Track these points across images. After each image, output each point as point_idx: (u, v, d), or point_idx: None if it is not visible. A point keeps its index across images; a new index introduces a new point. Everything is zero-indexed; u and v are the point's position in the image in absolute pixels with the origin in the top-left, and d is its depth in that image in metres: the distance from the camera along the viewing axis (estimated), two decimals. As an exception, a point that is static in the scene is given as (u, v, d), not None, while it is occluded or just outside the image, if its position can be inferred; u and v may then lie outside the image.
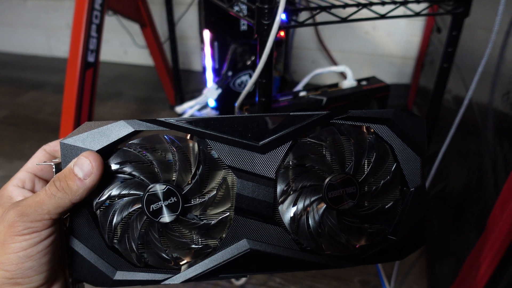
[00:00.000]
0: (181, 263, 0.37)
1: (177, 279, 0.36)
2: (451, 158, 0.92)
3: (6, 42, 2.35)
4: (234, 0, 0.74)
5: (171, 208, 0.35)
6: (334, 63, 1.73)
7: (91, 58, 1.07)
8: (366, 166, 0.39)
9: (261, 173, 0.37)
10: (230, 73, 1.03)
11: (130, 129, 0.35)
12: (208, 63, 1.03)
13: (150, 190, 0.34)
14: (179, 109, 1.01)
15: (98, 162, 0.33)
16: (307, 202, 0.37)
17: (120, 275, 0.36)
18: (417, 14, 0.78)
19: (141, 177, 0.35)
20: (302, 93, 0.84)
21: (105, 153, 0.35)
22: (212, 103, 1.06)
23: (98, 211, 0.36)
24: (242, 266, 0.37)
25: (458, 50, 0.84)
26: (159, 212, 0.34)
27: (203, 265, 0.37)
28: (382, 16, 0.74)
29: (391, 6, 0.74)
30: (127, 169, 0.35)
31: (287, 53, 1.63)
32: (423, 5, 0.79)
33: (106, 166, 0.34)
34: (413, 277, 0.95)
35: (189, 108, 1.01)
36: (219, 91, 1.00)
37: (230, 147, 0.36)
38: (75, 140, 0.35)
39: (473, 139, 0.83)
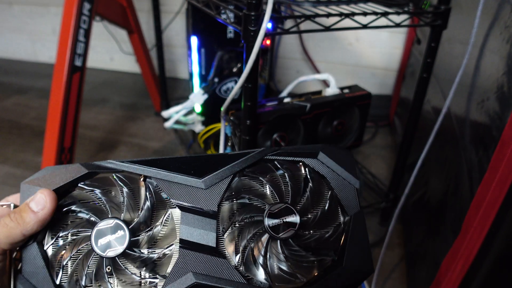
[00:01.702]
0: None
1: None
2: (430, 165, 0.94)
3: (-10, 47, 2.34)
4: (222, 7, 0.76)
5: (119, 242, 0.36)
6: (318, 73, 1.77)
7: (78, 62, 1.08)
8: (304, 198, 0.41)
9: (204, 208, 0.38)
10: (216, 80, 1.04)
11: (84, 171, 0.38)
12: (195, 69, 1.05)
13: (98, 226, 0.36)
14: (165, 113, 1.02)
15: (51, 197, 0.35)
16: (250, 234, 0.39)
17: None
18: (397, 25, 0.81)
19: (91, 214, 0.37)
20: (287, 99, 0.87)
21: (61, 193, 0.37)
22: (198, 108, 1.07)
23: (48, 250, 0.37)
24: None
25: (438, 62, 0.87)
26: (107, 246, 0.36)
27: None
28: (364, 26, 0.77)
29: (373, 17, 0.77)
30: (77, 208, 0.37)
31: (272, 61, 1.66)
32: (403, 17, 0.82)
33: (59, 206, 0.37)
34: (393, 281, 0.97)
35: (175, 113, 1.02)
36: (205, 96, 1.02)
37: (176, 184, 0.39)
38: (34, 181, 0.37)
39: (451, 147, 0.86)
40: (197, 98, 1.00)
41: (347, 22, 0.75)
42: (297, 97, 0.88)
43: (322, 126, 0.89)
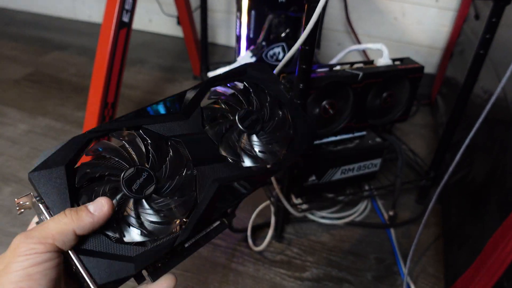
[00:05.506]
0: (175, 223, 0.40)
1: (182, 236, 0.39)
2: (477, 146, 0.92)
3: (32, 2, 2.36)
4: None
5: (148, 181, 0.39)
6: (360, 47, 1.73)
7: (125, 18, 1.08)
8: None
9: (194, 132, 0.45)
10: (264, 43, 1.03)
11: (85, 139, 0.38)
12: (243, 31, 1.03)
13: (126, 173, 0.38)
14: (211, 75, 1.02)
15: (109, 204, 0.36)
16: (235, 136, 0.47)
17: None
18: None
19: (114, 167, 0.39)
20: (337, 67, 0.85)
21: (73, 164, 0.38)
22: (243, 72, 1.06)
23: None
24: (223, 201, 0.43)
25: (494, 43, 0.84)
26: (140, 189, 0.38)
27: (195, 215, 0.40)
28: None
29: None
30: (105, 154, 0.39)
31: (321, 30, 1.63)
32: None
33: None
34: (428, 259, 0.96)
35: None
36: (253, 59, 1.01)
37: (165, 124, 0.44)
38: (41, 166, 0.36)
39: (502, 128, 0.83)
40: (244, 60, 0.99)
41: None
42: (348, 65, 0.86)
43: (371, 97, 0.87)
